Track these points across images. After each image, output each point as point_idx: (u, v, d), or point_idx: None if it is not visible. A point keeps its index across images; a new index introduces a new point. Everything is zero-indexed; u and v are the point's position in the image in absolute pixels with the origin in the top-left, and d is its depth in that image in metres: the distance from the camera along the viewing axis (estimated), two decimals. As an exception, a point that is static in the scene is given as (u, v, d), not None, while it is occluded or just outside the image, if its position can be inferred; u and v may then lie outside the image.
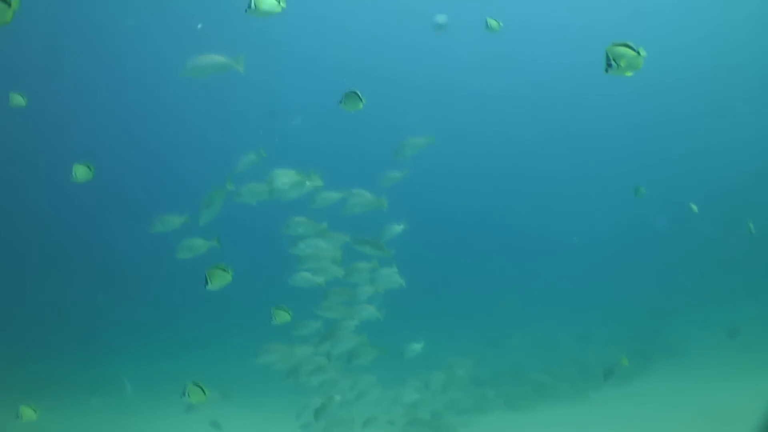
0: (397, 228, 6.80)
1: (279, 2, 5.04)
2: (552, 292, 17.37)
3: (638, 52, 4.25)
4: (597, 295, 16.62)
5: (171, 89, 23.30)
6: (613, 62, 4.21)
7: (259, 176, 6.58)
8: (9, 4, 4.19)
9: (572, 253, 21.17)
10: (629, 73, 4.25)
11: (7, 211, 21.61)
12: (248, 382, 8.43)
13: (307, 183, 6.13)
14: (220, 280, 5.00)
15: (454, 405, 9.06)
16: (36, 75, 21.37)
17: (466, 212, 25.38)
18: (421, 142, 7.02)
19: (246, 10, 4.99)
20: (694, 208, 9.70)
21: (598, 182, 24.54)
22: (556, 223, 24.08)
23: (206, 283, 5.00)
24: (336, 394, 6.62)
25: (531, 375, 10.83)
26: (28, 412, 6.05)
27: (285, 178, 5.98)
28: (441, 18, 22.35)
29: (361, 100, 5.86)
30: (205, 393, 4.90)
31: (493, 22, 7.16)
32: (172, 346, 14.84)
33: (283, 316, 5.64)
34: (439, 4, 21.78)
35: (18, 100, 7.21)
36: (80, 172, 6.14)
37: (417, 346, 7.67)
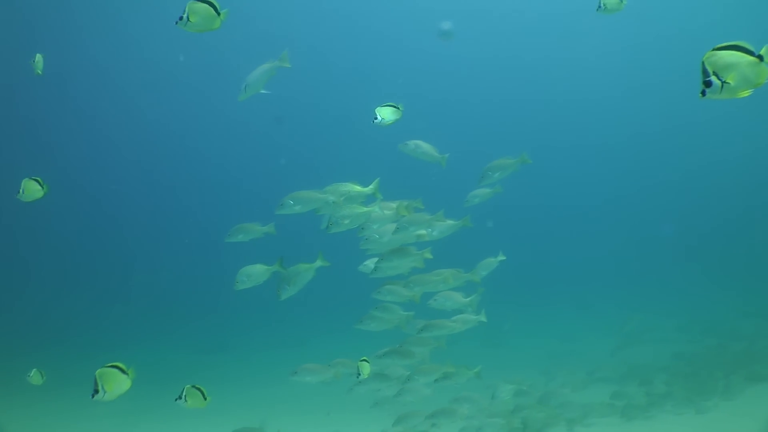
0: (493, 261, 6.12)
1: (219, 15, 4.30)
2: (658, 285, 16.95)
3: (760, 57, 2.58)
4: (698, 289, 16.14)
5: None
6: (713, 78, 2.55)
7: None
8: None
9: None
10: (745, 93, 2.61)
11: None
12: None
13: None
14: (116, 385, 3.67)
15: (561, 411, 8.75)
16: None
17: (571, 202, 25.19)
18: (511, 163, 6.12)
19: (177, 23, 4.33)
20: None
21: (700, 178, 24.37)
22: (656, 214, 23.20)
23: (96, 391, 3.69)
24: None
25: (646, 379, 10.42)
26: (36, 377, 6.21)
27: (346, 211, 5.17)
28: (446, 25, 21.53)
29: (398, 108, 5.38)
30: (205, 398, 4.31)
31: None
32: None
33: (367, 368, 5.18)
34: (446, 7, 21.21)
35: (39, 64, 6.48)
36: (29, 189, 5.26)
37: (509, 388, 7.07)
